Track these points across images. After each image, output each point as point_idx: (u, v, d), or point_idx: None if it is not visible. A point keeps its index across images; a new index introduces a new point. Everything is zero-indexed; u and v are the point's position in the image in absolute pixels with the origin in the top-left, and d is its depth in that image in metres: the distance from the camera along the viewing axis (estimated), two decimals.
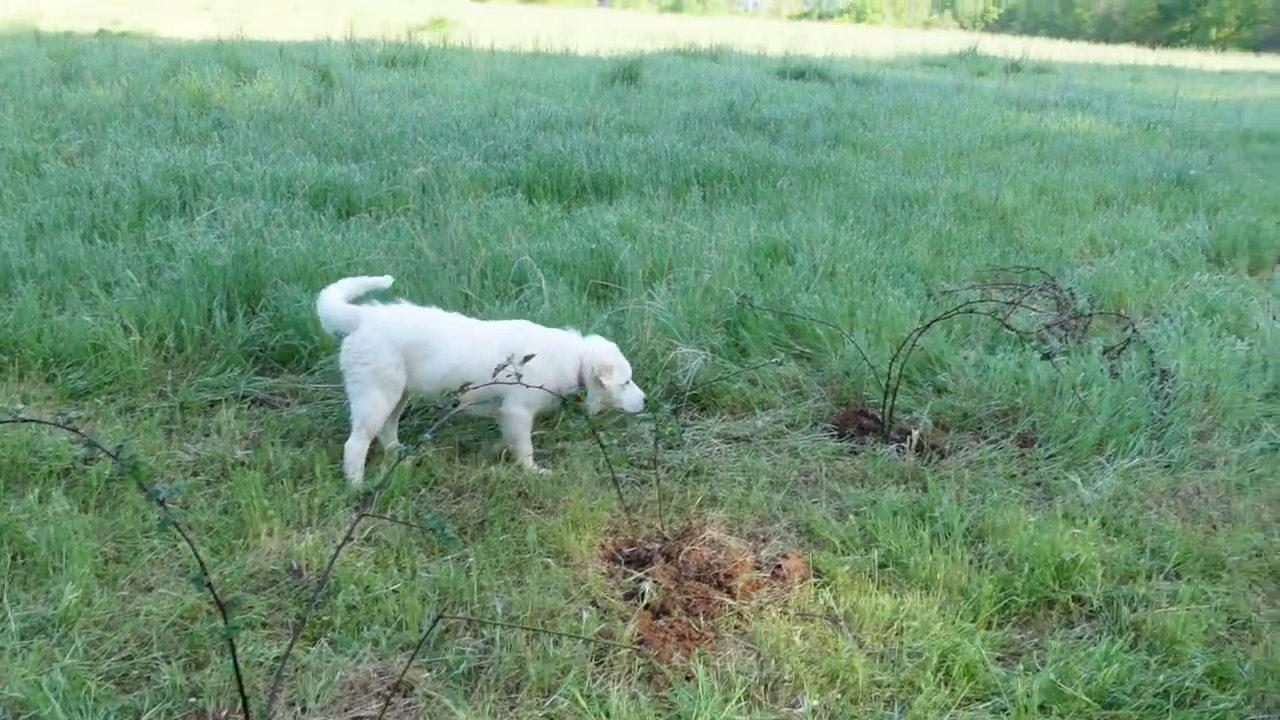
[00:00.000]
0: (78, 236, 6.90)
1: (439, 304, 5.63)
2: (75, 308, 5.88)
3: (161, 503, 2.69)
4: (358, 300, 4.79)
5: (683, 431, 5.18)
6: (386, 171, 8.89)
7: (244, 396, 5.34)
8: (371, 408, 4.59)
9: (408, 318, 4.72)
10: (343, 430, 5.06)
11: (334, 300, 4.68)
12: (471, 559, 3.96)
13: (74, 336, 5.53)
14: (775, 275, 7.01)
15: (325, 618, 3.61)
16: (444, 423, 4.87)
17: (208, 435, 4.96)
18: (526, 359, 3.90)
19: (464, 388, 3.55)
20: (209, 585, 2.74)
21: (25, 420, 2.84)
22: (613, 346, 4.90)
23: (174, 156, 8.95)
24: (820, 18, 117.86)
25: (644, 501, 4.53)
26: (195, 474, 4.58)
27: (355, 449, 4.61)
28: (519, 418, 4.76)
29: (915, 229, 8.64)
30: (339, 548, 3.17)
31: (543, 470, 4.80)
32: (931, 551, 4.08)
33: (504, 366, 3.64)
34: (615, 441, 5.01)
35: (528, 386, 4.12)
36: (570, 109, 13.26)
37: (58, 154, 9.45)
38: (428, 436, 3.27)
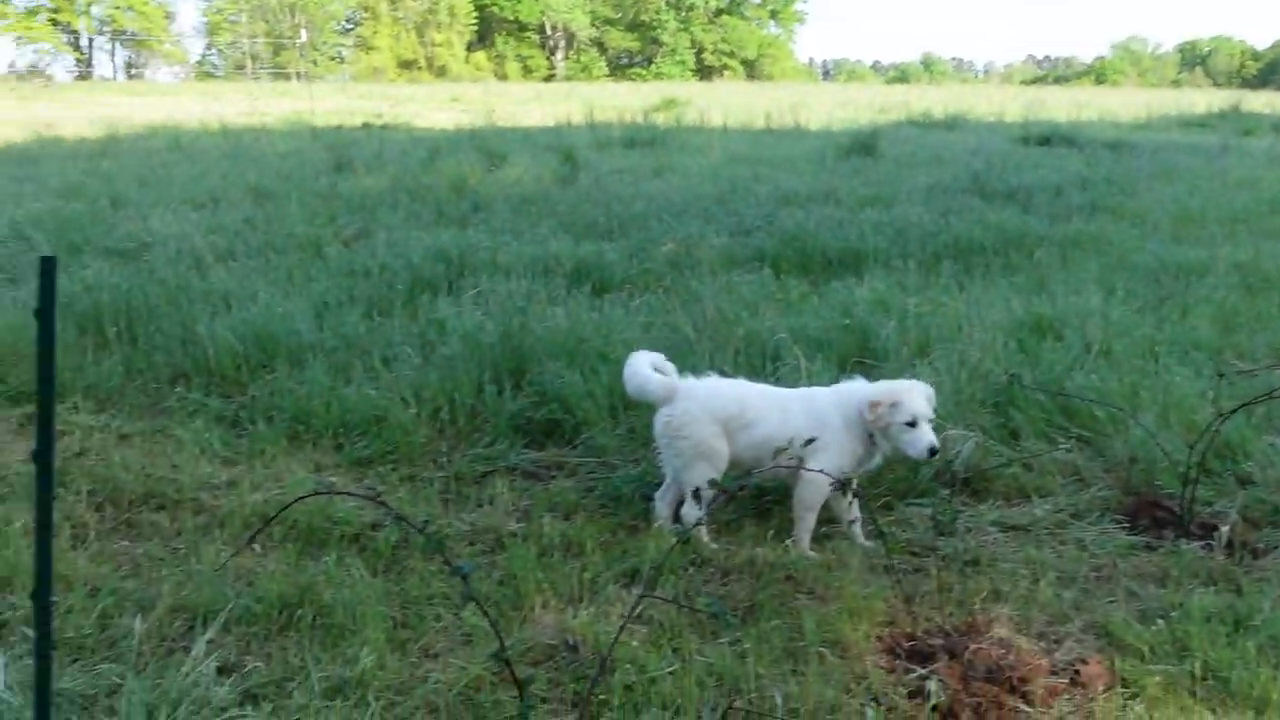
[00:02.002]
0: (358, 314, 7.40)
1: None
2: (359, 381, 6.27)
3: (464, 578, 2.75)
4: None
5: (956, 518, 4.92)
6: (635, 249, 9.12)
7: (513, 468, 5.51)
8: (699, 478, 4.61)
9: (723, 389, 4.83)
10: (608, 505, 5.12)
11: (646, 370, 4.82)
12: (747, 645, 3.86)
13: (359, 408, 5.88)
14: (1043, 352, 6.65)
15: (603, 696, 3.59)
16: (716, 503, 4.82)
17: (481, 506, 5.12)
18: (807, 441, 3.84)
19: (778, 451, 3.59)
20: (508, 663, 2.77)
21: (338, 493, 2.99)
22: (895, 383, 4.82)
23: (439, 238, 9.53)
24: (1056, 81, 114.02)
25: (920, 592, 4.31)
26: (471, 543, 4.72)
27: (692, 516, 4.62)
28: (817, 484, 4.64)
29: (1195, 302, 8.02)
30: (620, 629, 3.16)
31: (811, 553, 4.67)
32: (1259, 665, 3.66)
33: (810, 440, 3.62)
34: (879, 525, 4.73)
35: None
36: (809, 183, 13.27)
37: (336, 237, 10.26)
38: (701, 515, 3.22)
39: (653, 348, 6.16)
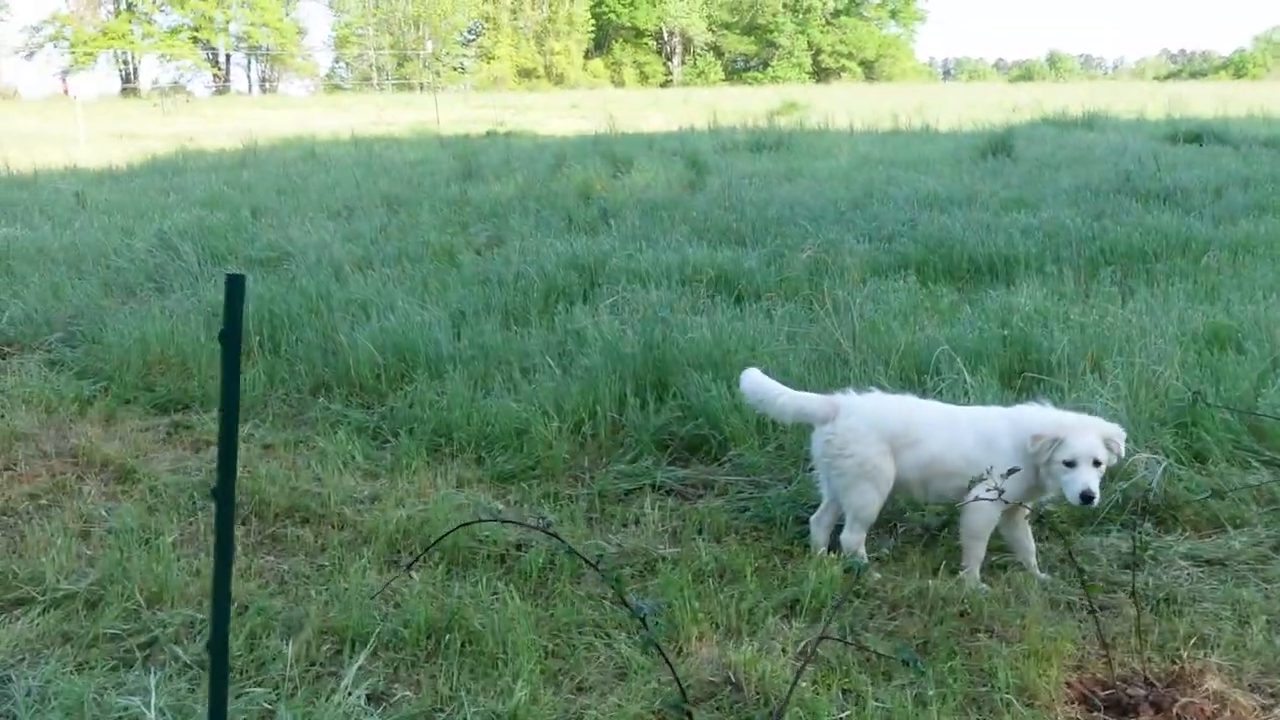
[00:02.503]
0: (495, 323, 7.31)
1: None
2: (498, 393, 6.15)
3: (643, 621, 2.54)
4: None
5: (1145, 550, 4.50)
6: (773, 255, 8.82)
7: (658, 486, 5.29)
8: (863, 500, 4.42)
9: (889, 405, 4.55)
10: (760, 528, 4.86)
11: (778, 387, 4.63)
12: (926, 690, 3.54)
13: (499, 421, 5.75)
14: (1225, 366, 6.11)
15: None
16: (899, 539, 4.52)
17: (627, 525, 4.91)
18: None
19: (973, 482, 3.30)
20: (689, 715, 2.53)
21: (507, 522, 2.80)
22: (1067, 417, 4.35)
23: (572, 246, 9.40)
24: (1192, 76, 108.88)
25: (1112, 634, 3.91)
26: (620, 566, 4.51)
27: (853, 541, 4.46)
28: (985, 510, 4.28)
29: None
30: (797, 675, 2.87)
31: (983, 585, 4.32)
32: None
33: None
34: (1074, 558, 4.25)
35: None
36: (947, 186, 12.76)
37: (469, 245, 10.25)
38: (886, 550, 2.93)
39: (801, 360, 5.90)
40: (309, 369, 6.73)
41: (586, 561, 2.64)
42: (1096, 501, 4.11)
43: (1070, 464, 4.12)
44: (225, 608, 1.74)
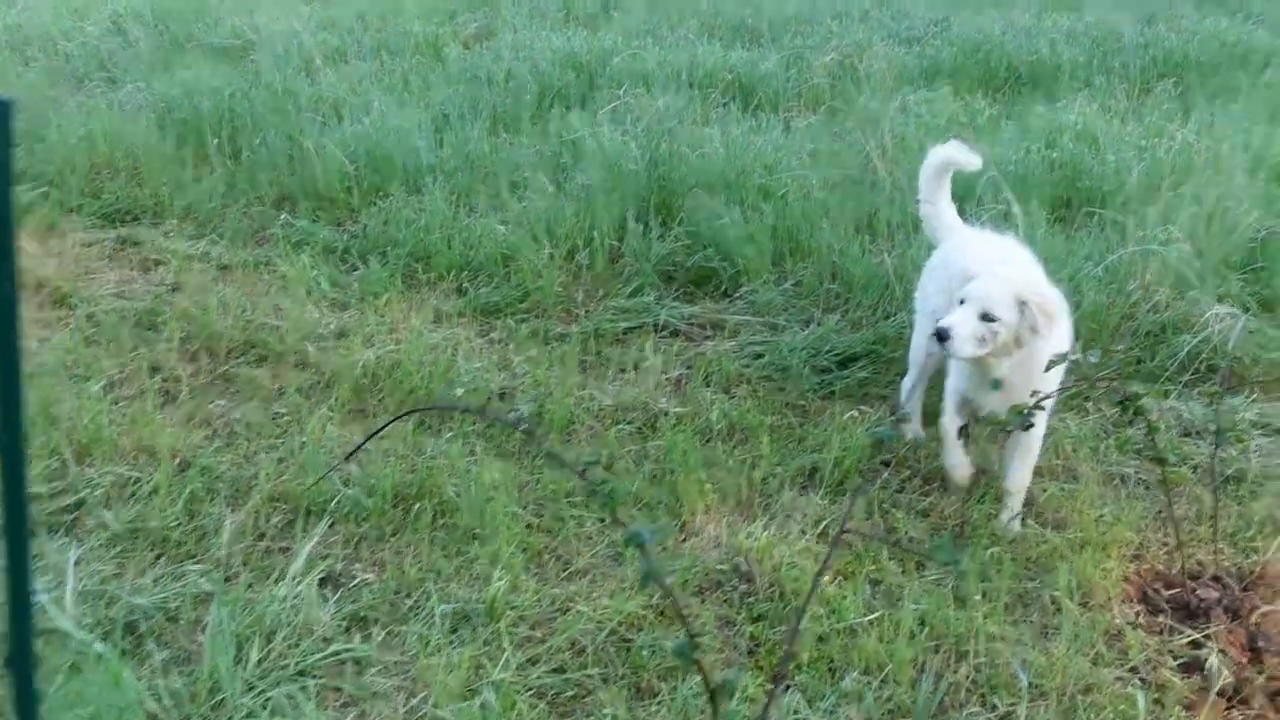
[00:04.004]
0: (482, 129, 6.52)
1: (884, 229, 4.76)
2: (484, 211, 5.48)
3: (642, 548, 2.00)
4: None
5: (1232, 428, 3.89)
6: (793, 58, 7.91)
7: (661, 326, 4.69)
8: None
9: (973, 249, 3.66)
10: (774, 378, 4.32)
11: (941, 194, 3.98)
12: (964, 589, 3.07)
13: (484, 245, 5.12)
14: None
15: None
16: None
17: (625, 371, 4.35)
18: None
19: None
20: (693, 638, 2.03)
21: (468, 411, 2.23)
22: (995, 255, 3.53)
23: (570, 41, 8.46)
24: None
25: (1175, 517, 3.42)
26: (616, 422, 3.97)
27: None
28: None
29: None
30: (818, 576, 2.35)
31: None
32: None
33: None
34: (1151, 429, 3.30)
35: None
36: None
37: (455, 37, 9.26)
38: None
39: (822, 184, 5.23)
40: (273, 178, 6.02)
41: (572, 469, 2.08)
42: (951, 347, 3.15)
43: (961, 302, 3.24)
44: (26, 616, 1.17)
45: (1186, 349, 4.25)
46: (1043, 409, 3.14)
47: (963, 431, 3.45)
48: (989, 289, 3.17)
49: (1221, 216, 5.05)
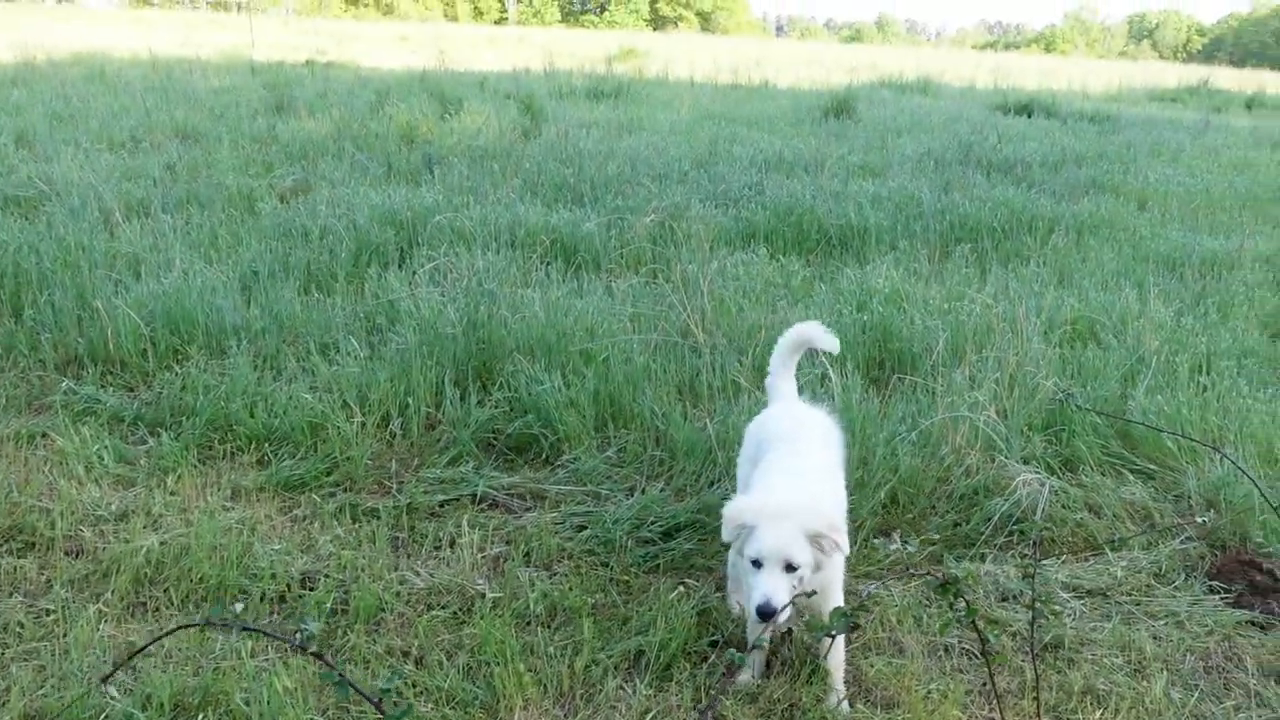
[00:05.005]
0: (294, 289, 6.27)
1: (705, 392, 4.74)
2: (291, 375, 5.20)
3: None
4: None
5: (1049, 604, 3.94)
6: (614, 218, 8.04)
7: (479, 498, 4.48)
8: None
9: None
10: (597, 551, 4.14)
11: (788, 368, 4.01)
12: None
13: (290, 413, 4.81)
14: (1089, 363, 5.76)
15: None
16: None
17: (439, 549, 4.10)
18: None
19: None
20: None
21: (250, 630, 1.97)
22: (770, 490, 3.31)
23: (389, 198, 8.35)
24: (1007, 47, 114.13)
25: (993, 692, 3.39)
26: (429, 607, 3.71)
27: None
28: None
29: (1231, 301, 7.18)
30: None
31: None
32: None
33: None
34: (971, 615, 3.55)
35: None
36: (793, 147, 12.26)
37: (272, 190, 9.04)
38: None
39: (647, 345, 5.22)
40: (57, 339, 5.56)
41: (371, 702, 1.84)
42: (780, 619, 2.90)
43: (757, 564, 3.01)
44: None
45: (999, 513, 4.34)
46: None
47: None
48: (779, 541, 2.97)
49: (1023, 381, 5.29)
